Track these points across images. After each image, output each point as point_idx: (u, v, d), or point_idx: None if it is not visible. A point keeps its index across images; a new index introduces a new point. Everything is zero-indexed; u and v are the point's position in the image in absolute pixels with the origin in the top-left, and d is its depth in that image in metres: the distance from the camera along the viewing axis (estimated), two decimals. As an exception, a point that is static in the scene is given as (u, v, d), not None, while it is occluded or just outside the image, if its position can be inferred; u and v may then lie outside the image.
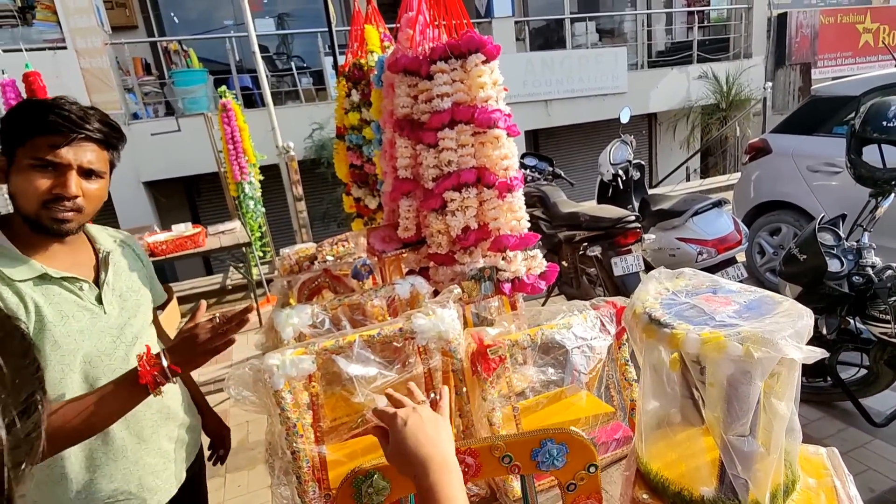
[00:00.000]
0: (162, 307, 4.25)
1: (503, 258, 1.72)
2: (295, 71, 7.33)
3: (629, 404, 1.50)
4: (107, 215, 5.96)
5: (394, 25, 2.06)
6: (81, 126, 1.02)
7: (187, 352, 0.98)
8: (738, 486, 0.72)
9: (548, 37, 9.82)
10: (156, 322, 1.37)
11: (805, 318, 0.69)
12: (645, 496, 0.81)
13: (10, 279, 0.99)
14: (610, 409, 1.56)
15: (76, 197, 1.03)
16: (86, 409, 0.92)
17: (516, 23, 8.49)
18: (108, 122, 1.10)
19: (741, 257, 4.13)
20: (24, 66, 3.64)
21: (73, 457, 1.07)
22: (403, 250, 1.89)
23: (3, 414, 0.21)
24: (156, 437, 1.19)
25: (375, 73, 2.14)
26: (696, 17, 9.80)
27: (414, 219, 1.83)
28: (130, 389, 0.95)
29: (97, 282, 1.14)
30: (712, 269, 3.43)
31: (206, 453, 1.56)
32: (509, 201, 1.69)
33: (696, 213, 3.64)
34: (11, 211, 1.06)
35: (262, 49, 6.51)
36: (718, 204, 3.67)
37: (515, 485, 1.34)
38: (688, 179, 9.16)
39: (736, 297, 0.81)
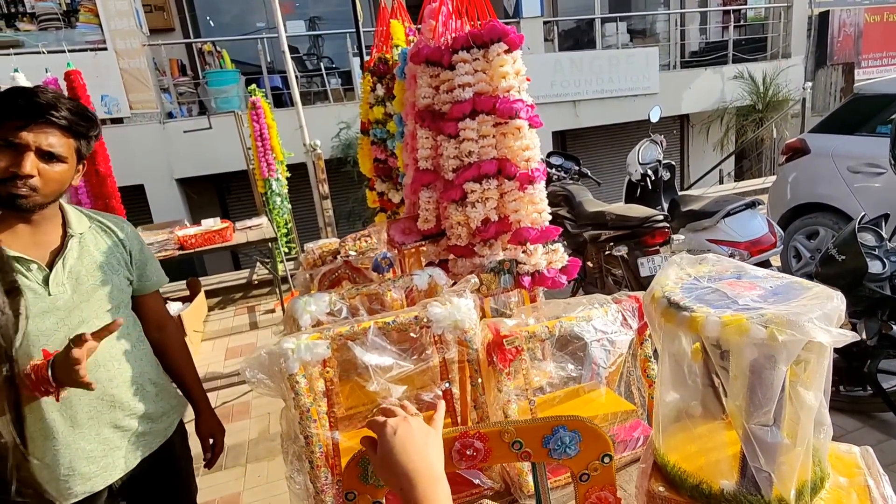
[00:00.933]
0: (188, 299, 4.37)
1: (523, 251, 1.69)
2: (324, 71, 7.44)
3: (650, 402, 1.45)
4: (140, 211, 6.15)
5: (419, 27, 2.06)
6: (46, 112, 1.08)
7: (58, 370, 1.02)
8: (761, 479, 0.68)
9: (578, 38, 9.69)
10: (148, 307, 1.38)
11: (835, 301, 0.64)
12: (661, 489, 0.77)
13: None
14: (630, 407, 1.51)
15: (31, 177, 1.08)
16: None
17: (545, 23, 8.42)
18: (79, 112, 1.15)
19: (776, 261, 3.98)
20: (66, 65, 3.79)
21: None
22: (423, 242, 1.88)
23: None
24: (94, 423, 1.19)
25: (399, 65, 2.14)
26: (732, 16, 9.53)
27: (434, 210, 1.81)
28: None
29: (52, 264, 1.16)
30: (744, 272, 3.32)
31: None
32: (530, 193, 1.66)
33: (728, 214, 3.52)
34: None
35: (293, 50, 6.64)
36: (752, 205, 3.54)
37: (530, 479, 1.31)
38: (721, 182, 8.90)
39: (762, 283, 0.77)
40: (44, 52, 4.50)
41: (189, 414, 1.47)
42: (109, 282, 1.24)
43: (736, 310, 0.68)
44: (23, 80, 3.53)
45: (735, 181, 8.96)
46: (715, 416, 0.81)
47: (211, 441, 1.50)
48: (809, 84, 8.06)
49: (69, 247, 1.19)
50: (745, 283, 0.77)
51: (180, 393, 1.46)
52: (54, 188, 1.14)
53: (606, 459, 0.80)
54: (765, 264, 3.48)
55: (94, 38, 5.58)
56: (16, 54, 4.93)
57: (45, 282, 1.15)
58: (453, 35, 1.72)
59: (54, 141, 1.11)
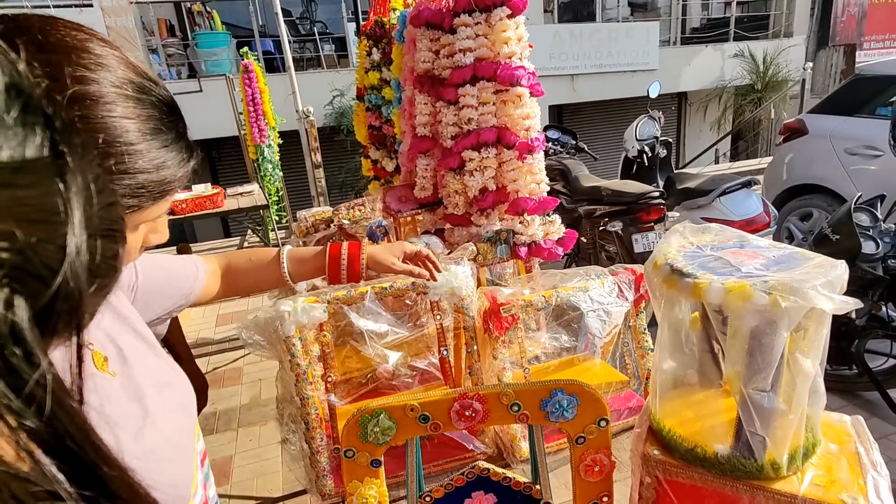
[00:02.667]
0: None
1: (520, 222, 1.68)
2: (317, 37, 7.24)
3: (644, 373, 1.47)
4: (130, 175, 6.03)
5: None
6: None
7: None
8: (755, 443, 0.69)
9: (577, 10, 9.49)
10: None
11: (839, 269, 0.64)
12: (656, 452, 0.78)
13: None
14: (623, 378, 1.53)
15: None
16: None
17: (546, -7, 8.24)
18: None
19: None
20: (50, 20, 3.65)
21: None
22: (419, 211, 1.86)
23: (87, 225, 0.21)
24: None
25: (398, 29, 2.08)
26: (736, -8, 9.36)
27: (431, 178, 1.79)
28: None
29: None
30: (736, 250, 3.34)
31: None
32: (529, 163, 1.65)
33: (723, 193, 3.52)
34: None
35: (286, 13, 6.43)
36: (748, 184, 3.54)
37: (523, 445, 1.33)
38: (717, 162, 8.88)
39: (764, 252, 0.76)
40: (26, 7, 4.33)
41: None
42: None
43: (739, 277, 0.68)
44: (5, 35, 3.41)
45: (731, 161, 8.95)
46: (712, 383, 0.82)
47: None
48: (810, 65, 7.99)
49: None
50: (748, 252, 0.76)
51: None
52: None
53: (603, 423, 0.81)
54: (757, 243, 3.50)
55: (79, -6, 5.37)
56: (-3, 8, 4.73)
57: None
58: (455, -3, 1.67)
59: None
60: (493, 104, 1.62)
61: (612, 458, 0.86)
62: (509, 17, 1.59)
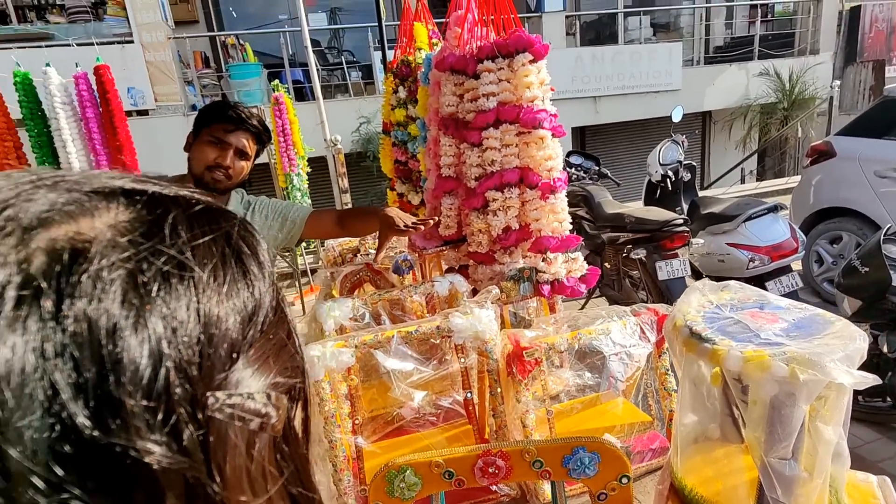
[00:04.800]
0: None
1: (543, 259, 1.71)
2: (345, 65, 7.46)
3: (667, 414, 1.47)
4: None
5: (443, 20, 2.07)
6: (246, 121, 1.46)
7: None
8: (777, 509, 0.70)
9: (599, 31, 9.57)
10: None
11: (858, 341, 0.65)
12: (678, 512, 0.80)
13: None
14: (647, 419, 1.53)
15: (228, 168, 1.45)
16: None
17: (567, 17, 8.32)
18: (263, 124, 1.51)
19: (797, 266, 3.93)
20: (95, 59, 3.87)
21: None
22: (444, 248, 1.91)
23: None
24: None
25: (423, 70, 2.16)
26: (760, 10, 9.31)
27: (455, 217, 1.84)
28: None
29: None
30: (765, 277, 3.27)
31: None
32: (552, 203, 1.68)
33: (749, 218, 3.47)
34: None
35: (314, 43, 6.67)
36: (774, 209, 3.49)
37: (546, 487, 1.34)
38: (742, 182, 8.75)
39: (784, 315, 0.78)
40: (73, 45, 4.59)
41: None
42: None
43: (758, 344, 0.70)
44: (54, 75, 3.61)
45: (757, 180, 8.80)
46: (733, 440, 0.83)
47: None
48: (838, 82, 7.86)
49: None
50: (767, 315, 0.78)
51: None
52: (238, 178, 1.49)
53: (624, 480, 0.82)
54: (785, 269, 3.44)
55: (121, 31, 5.66)
56: (46, 46, 5.04)
57: None
58: (479, 43, 1.73)
59: (246, 143, 1.46)
60: (516, 146, 1.66)
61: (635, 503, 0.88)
62: (531, 62, 1.64)
